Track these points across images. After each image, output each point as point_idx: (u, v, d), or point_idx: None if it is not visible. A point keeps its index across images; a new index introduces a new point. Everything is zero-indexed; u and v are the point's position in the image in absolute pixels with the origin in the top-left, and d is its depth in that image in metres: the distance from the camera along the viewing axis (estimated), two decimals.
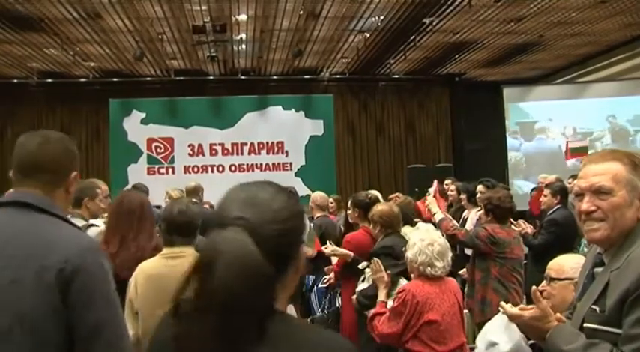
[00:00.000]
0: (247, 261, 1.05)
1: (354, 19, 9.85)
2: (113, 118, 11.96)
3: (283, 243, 1.13)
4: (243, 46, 11.14)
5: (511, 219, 4.98)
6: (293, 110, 12.29)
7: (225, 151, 12.03)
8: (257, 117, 12.20)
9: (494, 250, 4.44)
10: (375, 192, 5.26)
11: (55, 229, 1.73)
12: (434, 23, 10.03)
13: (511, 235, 4.60)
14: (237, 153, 12.07)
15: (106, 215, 3.84)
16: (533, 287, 1.83)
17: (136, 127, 11.86)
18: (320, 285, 5.66)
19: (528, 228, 5.83)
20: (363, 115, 14.77)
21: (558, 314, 1.88)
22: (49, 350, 1.60)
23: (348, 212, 5.30)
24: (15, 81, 12.97)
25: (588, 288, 1.80)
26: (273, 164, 12.11)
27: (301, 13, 9.39)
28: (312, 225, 6.09)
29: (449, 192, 7.63)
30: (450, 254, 3.44)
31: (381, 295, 3.43)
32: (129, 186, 6.46)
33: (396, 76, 14.04)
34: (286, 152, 12.14)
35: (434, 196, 5.78)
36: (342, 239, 5.15)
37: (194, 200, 5.84)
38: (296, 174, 11.88)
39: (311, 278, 6.06)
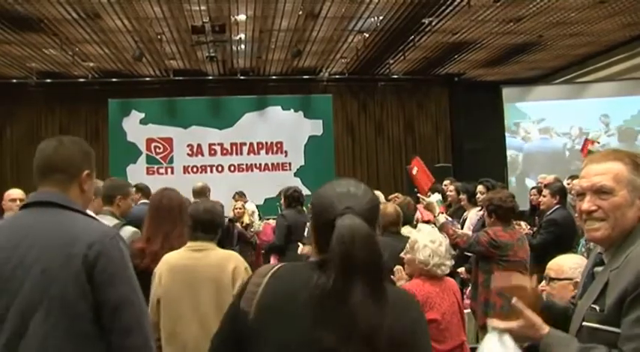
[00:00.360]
0: (368, 233, 1.50)
1: (353, 19, 9.85)
2: (112, 118, 11.95)
3: (372, 218, 1.59)
4: (243, 46, 11.14)
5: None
6: (292, 110, 12.29)
7: (225, 151, 12.03)
8: (256, 117, 12.20)
9: (497, 253, 4.39)
10: (376, 192, 5.23)
11: (76, 222, 1.99)
12: (433, 23, 10.04)
13: (514, 237, 4.51)
14: (237, 154, 12.06)
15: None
16: (514, 298, 1.80)
17: (135, 127, 11.85)
18: None
19: (526, 229, 5.84)
20: (363, 115, 14.77)
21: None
22: (84, 324, 1.88)
23: None
24: (14, 81, 12.96)
25: (589, 287, 1.81)
26: (273, 164, 12.10)
27: (300, 13, 9.40)
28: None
29: (448, 192, 7.64)
30: (452, 252, 3.45)
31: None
32: (132, 188, 6.42)
33: (395, 76, 14.05)
34: (285, 152, 12.14)
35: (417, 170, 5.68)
36: None
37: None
38: (295, 174, 11.87)
39: None
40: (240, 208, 7.66)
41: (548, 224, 5.78)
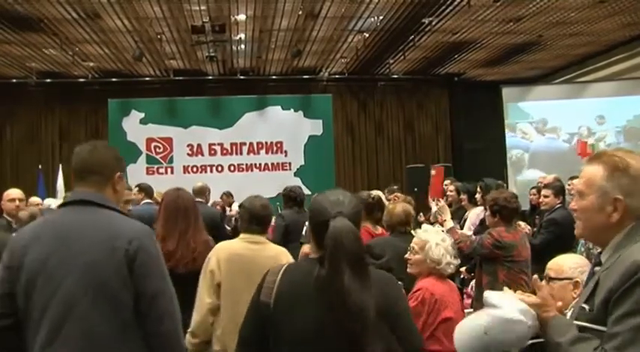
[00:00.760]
0: (354, 231, 1.92)
1: (353, 19, 9.85)
2: (112, 118, 11.95)
3: (357, 219, 2.02)
4: (242, 46, 11.15)
5: None
6: (292, 110, 12.29)
7: (225, 151, 12.03)
8: (256, 117, 12.20)
9: (502, 254, 4.38)
10: (377, 192, 5.22)
11: (115, 219, 2.20)
12: (433, 23, 10.04)
13: (517, 237, 4.51)
14: (237, 153, 12.06)
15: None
16: (535, 275, 1.93)
17: (135, 127, 11.85)
18: None
19: (527, 229, 5.83)
20: (362, 115, 14.78)
21: (560, 303, 1.94)
22: (124, 311, 2.08)
23: None
24: (14, 81, 12.96)
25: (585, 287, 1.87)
26: (272, 164, 12.11)
27: (300, 13, 9.40)
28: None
29: (448, 192, 7.64)
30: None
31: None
32: (134, 188, 6.42)
33: (395, 76, 14.05)
34: (285, 152, 12.14)
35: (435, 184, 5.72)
36: None
37: (199, 200, 5.79)
38: (295, 174, 11.87)
39: None
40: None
41: (548, 224, 5.78)
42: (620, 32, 10.94)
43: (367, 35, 10.69)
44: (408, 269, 3.46)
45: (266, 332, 1.97)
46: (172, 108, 12.15)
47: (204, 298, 3.32)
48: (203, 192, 6.78)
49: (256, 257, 3.33)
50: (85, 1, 8.60)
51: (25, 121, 13.60)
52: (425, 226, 3.86)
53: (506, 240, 4.41)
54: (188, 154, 11.92)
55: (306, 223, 5.64)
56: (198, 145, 11.96)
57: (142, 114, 11.92)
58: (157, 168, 11.78)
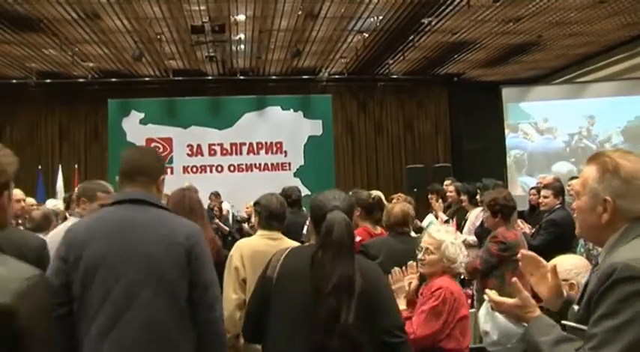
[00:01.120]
0: (346, 220, 2.33)
1: (352, 19, 9.85)
2: (112, 118, 11.95)
3: (350, 212, 2.44)
4: (242, 46, 11.14)
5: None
6: (292, 110, 12.29)
7: (224, 151, 12.04)
8: (256, 117, 12.20)
9: (509, 255, 4.38)
10: (377, 193, 5.20)
11: (167, 216, 2.43)
12: (432, 23, 10.04)
13: (517, 235, 4.58)
14: (236, 154, 12.07)
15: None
16: (514, 278, 1.95)
17: (134, 127, 11.85)
18: None
19: (526, 228, 5.82)
20: (362, 115, 14.77)
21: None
22: (181, 301, 2.28)
23: None
24: (14, 81, 12.96)
25: None
26: (272, 164, 12.11)
27: (300, 13, 9.39)
28: (308, 224, 5.98)
29: (448, 193, 7.63)
30: None
31: (402, 304, 3.40)
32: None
33: (395, 76, 14.04)
34: (285, 152, 12.14)
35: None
36: None
37: None
38: (295, 175, 11.88)
39: None
40: (247, 208, 7.93)
41: (547, 224, 5.77)
42: (619, 32, 10.94)
43: (367, 35, 10.69)
44: (421, 269, 3.45)
45: (268, 303, 2.35)
46: (172, 108, 12.15)
47: (230, 294, 3.51)
48: None
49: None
50: (84, 2, 8.60)
51: (24, 121, 13.60)
52: (435, 226, 3.88)
53: (510, 239, 4.45)
54: (188, 154, 11.92)
55: (307, 223, 5.66)
56: (198, 145, 11.96)
57: (142, 115, 11.93)
58: None
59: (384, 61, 12.69)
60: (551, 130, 12.28)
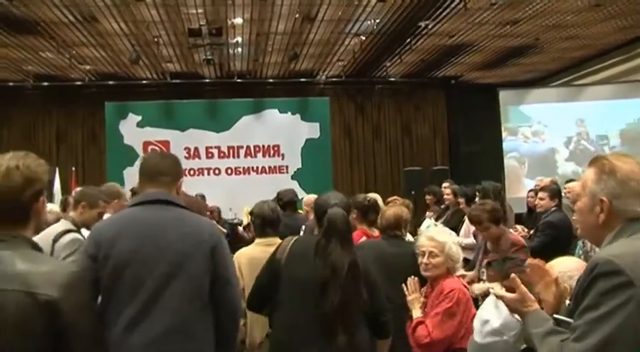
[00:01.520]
0: (344, 215, 2.82)
1: (350, 22, 9.86)
2: (109, 121, 11.93)
3: (347, 209, 2.92)
4: (239, 49, 11.15)
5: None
6: (289, 113, 12.28)
7: (222, 154, 12.02)
8: (253, 120, 12.19)
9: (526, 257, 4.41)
10: (374, 195, 5.20)
11: (191, 216, 2.58)
12: (430, 26, 10.05)
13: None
14: (234, 157, 12.05)
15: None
16: (512, 274, 2.05)
17: (132, 130, 11.83)
18: None
19: (523, 231, 5.83)
20: (360, 118, 14.78)
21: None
22: (204, 294, 2.45)
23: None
24: (11, 84, 12.95)
25: None
26: (270, 167, 12.09)
27: (297, 16, 9.40)
28: (305, 227, 5.91)
29: (445, 195, 7.64)
30: None
31: (417, 313, 3.38)
32: (127, 191, 6.37)
33: (392, 79, 14.06)
34: (282, 155, 12.13)
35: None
36: None
37: None
38: (292, 177, 11.85)
39: None
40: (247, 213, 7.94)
41: (544, 226, 5.78)
42: (616, 35, 10.97)
43: (364, 38, 10.70)
44: (426, 273, 3.44)
45: (276, 282, 2.79)
46: (169, 111, 12.14)
47: None
48: None
49: None
50: (81, 4, 8.60)
51: (21, 124, 13.58)
52: (432, 229, 3.90)
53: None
54: (185, 157, 11.87)
55: (303, 227, 5.62)
56: (196, 148, 11.94)
57: (139, 118, 11.90)
58: None
59: (382, 63, 12.70)
60: (548, 133, 12.29)
